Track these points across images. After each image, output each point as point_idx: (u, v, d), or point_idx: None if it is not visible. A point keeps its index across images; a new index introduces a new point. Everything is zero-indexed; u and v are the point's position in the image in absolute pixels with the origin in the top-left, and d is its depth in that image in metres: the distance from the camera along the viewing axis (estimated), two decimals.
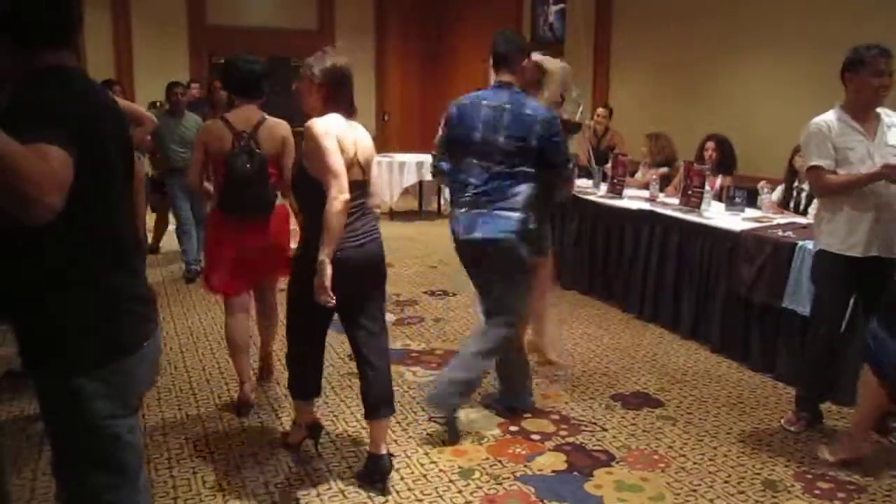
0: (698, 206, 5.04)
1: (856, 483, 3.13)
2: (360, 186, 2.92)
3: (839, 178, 3.34)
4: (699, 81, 7.07)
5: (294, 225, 3.64)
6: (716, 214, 4.99)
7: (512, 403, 3.78)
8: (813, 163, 3.40)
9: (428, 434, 3.53)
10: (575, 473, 3.19)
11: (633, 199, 5.74)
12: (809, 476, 3.19)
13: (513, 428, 3.61)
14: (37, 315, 1.68)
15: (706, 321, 4.80)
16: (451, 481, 3.11)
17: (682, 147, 6.34)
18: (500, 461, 3.28)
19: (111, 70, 9.74)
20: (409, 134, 11.30)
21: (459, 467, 3.22)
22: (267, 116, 3.65)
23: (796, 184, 5.08)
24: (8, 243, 1.63)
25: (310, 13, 11.40)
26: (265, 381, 4.09)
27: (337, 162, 2.77)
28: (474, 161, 3.49)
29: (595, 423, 3.68)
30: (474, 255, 3.57)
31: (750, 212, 5.04)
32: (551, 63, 3.96)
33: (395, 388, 3.82)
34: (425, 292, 6.02)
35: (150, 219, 6.47)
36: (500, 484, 3.09)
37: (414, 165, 9.20)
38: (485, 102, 3.54)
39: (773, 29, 6.20)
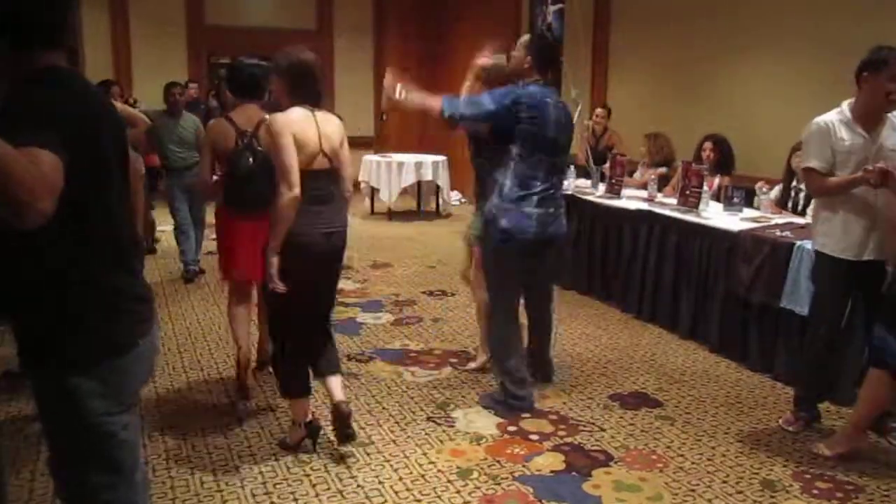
0: (696, 206, 5.04)
1: (854, 483, 3.14)
2: (326, 175, 3.11)
3: (830, 180, 3.34)
4: (698, 81, 7.07)
5: None
6: (714, 214, 5.00)
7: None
8: (808, 164, 3.40)
9: (426, 434, 3.53)
10: (573, 473, 3.19)
11: (631, 200, 5.74)
12: (808, 476, 3.19)
13: (511, 428, 3.61)
14: (34, 314, 1.69)
15: (704, 321, 4.80)
16: (449, 481, 3.11)
17: (681, 147, 6.34)
18: (498, 461, 3.28)
19: (109, 70, 9.73)
20: (408, 134, 11.30)
21: (458, 467, 3.22)
22: (268, 116, 3.68)
23: (794, 184, 5.08)
24: (6, 243, 1.63)
25: (309, 13, 11.39)
26: (262, 373, 4.13)
27: (288, 159, 2.94)
28: (544, 157, 3.65)
29: (593, 423, 3.68)
30: (541, 248, 3.80)
31: (748, 212, 5.04)
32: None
33: (393, 389, 3.97)
34: (424, 292, 6.02)
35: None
36: (499, 484, 3.09)
37: (412, 165, 9.20)
38: (548, 100, 3.68)
39: (773, 29, 6.20)
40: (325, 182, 3.10)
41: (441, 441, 3.46)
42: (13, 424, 3.50)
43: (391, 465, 3.23)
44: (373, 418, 3.68)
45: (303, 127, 3.03)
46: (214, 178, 3.82)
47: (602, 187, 6.17)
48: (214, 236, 4.12)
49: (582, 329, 5.16)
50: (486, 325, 4.17)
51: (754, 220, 4.79)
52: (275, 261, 2.98)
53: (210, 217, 5.29)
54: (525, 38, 3.90)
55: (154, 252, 7.04)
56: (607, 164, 6.29)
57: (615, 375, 4.31)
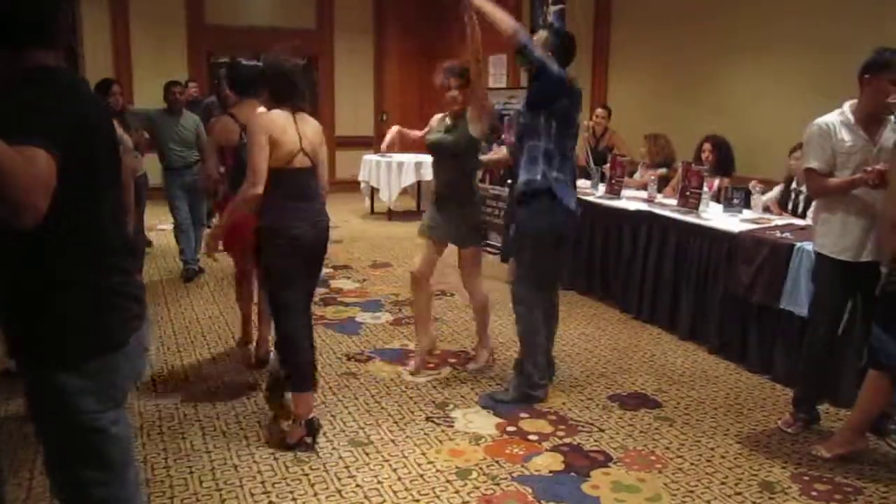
0: (696, 207, 5.04)
1: (853, 485, 3.13)
2: (305, 172, 3.32)
3: (830, 181, 3.34)
4: (698, 82, 7.07)
5: None
6: (714, 215, 5.00)
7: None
8: (808, 164, 3.40)
9: (425, 434, 3.52)
10: (572, 474, 3.19)
11: (631, 200, 5.74)
12: (806, 478, 3.19)
13: (510, 428, 3.61)
14: (23, 313, 1.70)
15: (704, 322, 4.80)
16: (448, 481, 3.10)
17: (681, 148, 6.34)
18: (497, 461, 3.28)
19: (110, 69, 9.73)
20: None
21: (457, 467, 3.22)
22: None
23: (794, 186, 5.08)
24: None
25: (308, 12, 11.39)
26: (262, 371, 4.17)
27: (257, 158, 3.14)
28: (570, 142, 3.82)
29: (592, 424, 3.68)
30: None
31: (748, 213, 5.04)
32: None
33: (392, 388, 4.02)
34: None
35: (148, 216, 6.45)
36: (498, 484, 3.09)
37: (412, 165, 9.19)
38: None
39: (773, 30, 6.20)
40: (307, 179, 3.33)
41: (440, 441, 3.46)
42: (12, 423, 3.49)
43: (390, 465, 3.22)
44: (371, 418, 3.68)
45: (283, 128, 3.21)
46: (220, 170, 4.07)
47: (602, 188, 6.17)
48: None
49: (581, 329, 5.16)
50: (484, 321, 4.31)
51: (754, 221, 4.79)
52: (218, 233, 3.51)
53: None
54: (542, 34, 3.91)
55: (150, 244, 7.03)
56: (607, 165, 6.29)
57: (614, 376, 4.31)
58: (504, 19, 3.64)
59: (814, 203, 3.71)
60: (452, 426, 3.62)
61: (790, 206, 5.10)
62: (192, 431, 3.52)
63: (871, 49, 3.32)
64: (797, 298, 3.99)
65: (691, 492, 3.06)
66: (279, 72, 3.31)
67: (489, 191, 7.75)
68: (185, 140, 6.15)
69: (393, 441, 3.45)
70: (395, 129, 4.25)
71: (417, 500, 2.96)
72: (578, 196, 5.99)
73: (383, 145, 4.23)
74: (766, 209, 5.18)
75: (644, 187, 6.01)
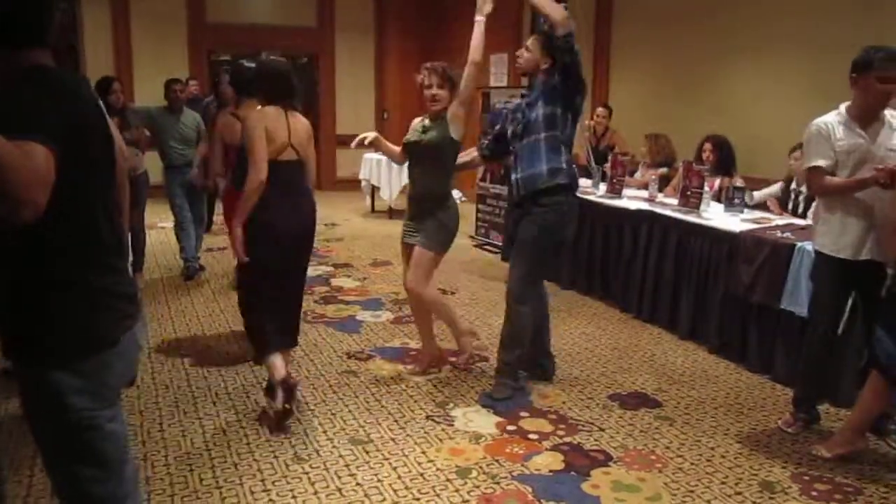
0: (697, 206, 5.04)
1: (853, 485, 3.13)
2: (293, 165, 3.55)
3: (836, 180, 3.34)
4: (699, 82, 7.07)
5: None
6: (714, 215, 4.99)
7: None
8: (812, 163, 3.39)
9: (425, 433, 3.53)
10: (572, 473, 3.19)
11: (632, 200, 5.74)
12: (807, 478, 3.19)
13: (510, 427, 3.61)
14: (17, 312, 1.71)
15: (704, 322, 4.80)
16: (448, 480, 3.10)
17: (682, 147, 6.34)
18: (497, 460, 3.28)
19: (110, 67, 9.73)
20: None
21: (457, 466, 3.22)
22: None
23: (794, 186, 5.08)
24: None
25: (309, 11, 11.39)
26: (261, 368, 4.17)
27: (258, 149, 3.39)
28: (570, 138, 3.94)
29: (593, 423, 3.68)
30: None
31: (749, 213, 5.04)
32: None
33: (393, 387, 4.01)
34: None
35: (149, 214, 6.44)
36: (498, 483, 3.09)
37: None
38: None
39: (774, 29, 6.20)
40: (294, 171, 3.56)
41: (440, 440, 3.46)
42: (12, 422, 3.49)
43: (390, 464, 3.22)
44: (372, 417, 3.68)
45: (274, 123, 3.47)
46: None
47: (603, 187, 6.17)
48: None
49: (581, 329, 5.16)
50: (443, 318, 4.22)
51: (755, 220, 4.79)
52: (239, 233, 3.45)
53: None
54: (534, 37, 3.93)
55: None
56: (608, 164, 6.28)
57: (614, 375, 4.31)
58: (556, 8, 3.74)
59: (815, 202, 3.70)
60: (452, 425, 3.62)
61: (790, 206, 5.10)
62: (193, 429, 3.52)
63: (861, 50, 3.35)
64: (798, 298, 3.99)
65: (691, 491, 3.06)
66: (271, 72, 3.62)
67: (489, 190, 7.75)
68: (185, 138, 6.15)
69: (393, 440, 3.45)
70: (373, 134, 4.29)
71: (417, 499, 2.96)
72: (579, 195, 6.05)
73: (354, 142, 4.24)
74: (764, 205, 5.18)
75: (645, 187, 6.01)
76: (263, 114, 3.49)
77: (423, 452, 3.34)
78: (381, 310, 5.50)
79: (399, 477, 3.12)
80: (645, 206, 5.44)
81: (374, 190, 9.69)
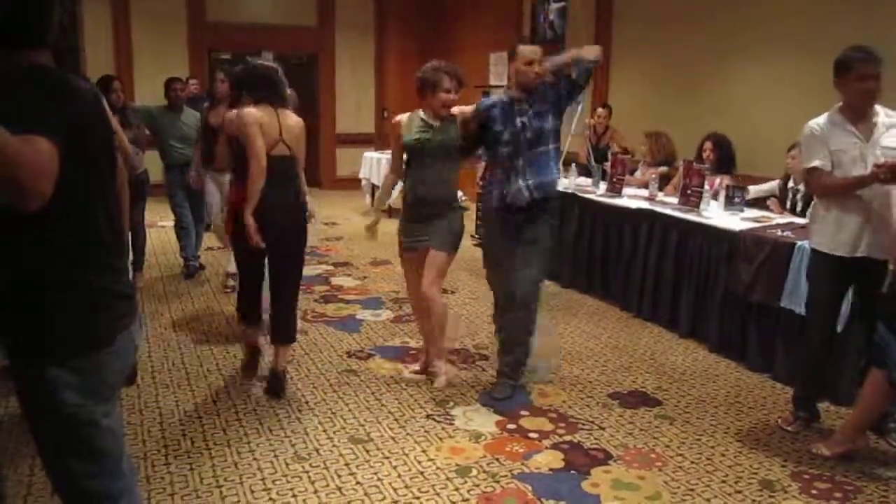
0: (697, 205, 5.04)
1: (853, 484, 3.13)
2: (284, 160, 3.78)
3: (837, 179, 3.33)
4: (699, 80, 7.06)
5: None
6: (715, 214, 4.99)
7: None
8: (810, 164, 3.40)
9: (425, 431, 3.53)
10: (572, 472, 3.20)
11: (632, 198, 5.74)
12: (807, 476, 3.19)
13: (510, 426, 3.61)
14: (16, 309, 1.72)
15: (704, 320, 4.80)
16: (448, 479, 3.11)
17: (682, 146, 6.34)
18: (497, 459, 3.28)
19: (111, 66, 9.73)
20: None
21: (457, 465, 3.22)
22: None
23: (791, 184, 5.08)
24: None
25: (309, 10, 11.38)
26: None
27: (257, 143, 3.66)
28: None
29: (592, 422, 3.68)
30: None
31: (749, 212, 5.04)
32: None
33: (393, 386, 4.03)
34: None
35: (149, 213, 6.44)
36: (498, 482, 3.09)
37: None
38: None
39: (774, 28, 6.19)
40: (285, 165, 3.78)
41: (440, 439, 3.46)
42: (12, 420, 3.49)
43: (390, 463, 3.23)
44: (372, 415, 3.68)
45: (266, 120, 3.73)
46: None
47: (603, 186, 6.17)
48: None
49: (581, 327, 5.16)
50: (443, 330, 4.12)
51: (755, 219, 4.79)
52: (251, 221, 3.69)
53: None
54: (538, 49, 3.91)
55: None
56: (608, 163, 6.28)
57: (614, 374, 4.31)
58: (592, 50, 3.85)
59: (813, 201, 3.70)
60: (453, 424, 3.62)
61: (788, 204, 5.10)
62: (193, 428, 3.53)
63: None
64: (798, 297, 3.98)
65: (691, 490, 3.06)
66: (259, 72, 3.89)
67: None
68: (185, 137, 6.14)
69: (393, 438, 3.45)
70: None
71: (417, 498, 2.97)
72: (579, 194, 6.08)
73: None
74: (764, 204, 5.18)
75: (645, 186, 6.01)
76: (255, 112, 3.72)
77: (424, 451, 3.34)
78: (381, 309, 5.50)
79: (399, 476, 3.12)
80: (645, 204, 5.44)
81: (374, 189, 9.68)
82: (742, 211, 5.01)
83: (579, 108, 7.33)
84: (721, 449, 3.42)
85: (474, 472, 3.17)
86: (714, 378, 4.29)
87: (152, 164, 6.10)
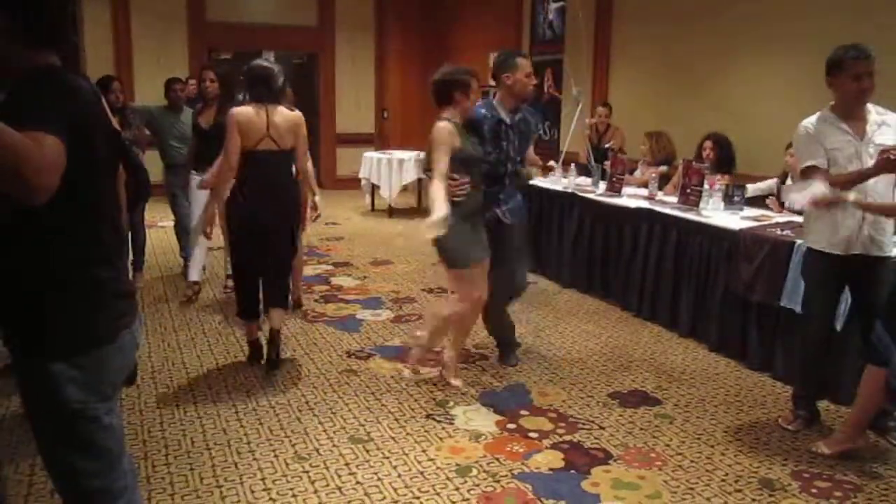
0: (697, 204, 5.04)
1: (853, 483, 3.14)
2: (273, 154, 3.98)
3: (838, 176, 3.32)
4: (699, 80, 7.06)
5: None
6: (714, 213, 4.99)
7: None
8: (807, 163, 3.39)
9: (425, 431, 3.53)
10: (572, 471, 3.20)
11: (631, 198, 5.74)
12: (807, 475, 3.19)
13: (510, 426, 3.61)
14: (20, 307, 1.74)
15: (704, 320, 4.80)
16: (448, 479, 3.11)
17: (682, 145, 6.34)
18: (497, 459, 3.28)
19: (110, 66, 9.73)
20: (409, 131, 11.30)
21: (457, 465, 3.22)
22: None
23: (789, 182, 5.08)
24: None
25: (310, 10, 11.38)
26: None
27: (229, 141, 3.93)
28: None
29: (593, 422, 3.68)
30: None
31: (749, 211, 5.04)
32: None
33: (393, 386, 4.04)
34: (423, 290, 6.02)
35: (149, 212, 6.45)
36: (498, 482, 3.09)
37: (413, 162, 9.18)
38: None
39: (773, 28, 6.19)
40: (273, 159, 3.98)
41: (440, 438, 3.46)
42: (13, 419, 3.50)
43: (390, 462, 3.23)
44: (372, 415, 3.69)
45: (250, 118, 3.93)
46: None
47: (603, 185, 6.17)
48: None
49: (582, 327, 5.16)
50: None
51: (755, 219, 4.79)
52: (212, 210, 4.13)
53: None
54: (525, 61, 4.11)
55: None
56: (608, 162, 6.29)
57: (614, 373, 4.31)
58: None
59: None
60: (453, 423, 3.62)
61: (787, 203, 5.10)
62: (193, 428, 3.53)
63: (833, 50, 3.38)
64: (797, 296, 3.98)
65: (691, 489, 3.06)
66: (254, 72, 4.05)
67: None
68: (186, 137, 6.12)
69: (393, 438, 3.45)
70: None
71: (418, 498, 2.97)
72: (579, 194, 6.09)
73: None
74: (763, 203, 5.18)
75: (645, 185, 6.00)
76: (238, 113, 3.95)
77: (424, 451, 3.34)
78: (381, 308, 5.50)
79: (399, 475, 3.12)
80: (645, 204, 5.44)
81: (374, 189, 9.69)
82: (741, 210, 5.01)
83: (579, 107, 7.33)
84: (721, 448, 3.43)
85: (474, 471, 3.17)
86: (714, 377, 4.29)
87: (152, 165, 6.10)
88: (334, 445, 3.37)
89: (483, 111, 4.03)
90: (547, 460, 3.28)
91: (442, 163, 3.65)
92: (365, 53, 11.75)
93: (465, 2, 11.03)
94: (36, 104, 1.57)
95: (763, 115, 6.26)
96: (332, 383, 4.08)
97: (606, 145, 7.04)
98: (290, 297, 4.53)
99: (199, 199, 5.38)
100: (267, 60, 4.32)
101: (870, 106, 3.37)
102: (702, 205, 5.04)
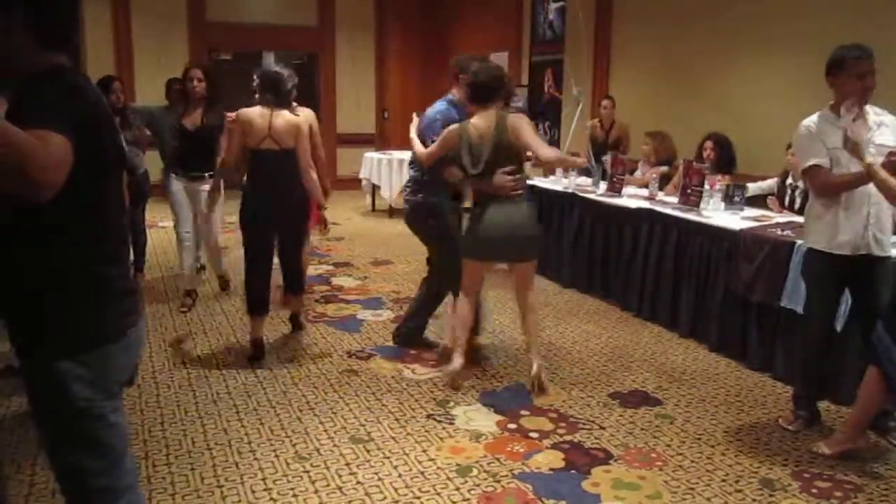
0: (697, 204, 5.04)
1: (853, 482, 3.14)
2: (274, 153, 4.23)
3: (843, 176, 3.30)
4: (700, 80, 7.06)
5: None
6: (715, 213, 4.99)
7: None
8: (809, 163, 3.38)
9: (426, 431, 3.53)
10: (572, 471, 3.20)
11: (632, 198, 5.74)
12: (807, 475, 3.20)
13: (511, 426, 3.61)
14: (27, 305, 1.75)
15: (704, 320, 4.80)
16: (448, 479, 3.11)
17: (681, 145, 6.34)
18: (497, 459, 3.28)
19: (111, 65, 9.74)
20: (409, 131, 11.28)
21: (457, 465, 3.22)
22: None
23: (790, 181, 5.09)
24: (1, 236, 1.71)
25: (310, 10, 11.38)
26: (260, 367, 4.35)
27: (230, 141, 4.48)
28: None
29: (593, 422, 3.68)
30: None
31: (749, 211, 5.04)
32: None
33: (393, 386, 4.03)
34: None
35: (149, 213, 6.45)
36: (498, 482, 3.10)
37: None
38: None
39: (774, 28, 6.19)
40: (273, 158, 4.23)
41: (441, 438, 3.47)
42: (14, 419, 3.50)
43: (391, 462, 3.23)
44: (372, 415, 3.69)
45: (253, 119, 4.22)
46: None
47: (603, 186, 6.17)
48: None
49: (582, 327, 5.16)
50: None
51: (755, 219, 4.79)
52: (215, 196, 4.82)
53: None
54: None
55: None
56: (607, 158, 6.29)
57: (615, 374, 4.32)
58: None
59: (810, 199, 3.68)
60: (453, 423, 3.62)
61: (787, 201, 5.10)
62: (194, 428, 3.53)
63: (833, 50, 3.37)
64: (798, 296, 3.98)
65: (692, 489, 3.07)
66: (265, 76, 4.30)
67: None
68: None
69: (394, 438, 3.46)
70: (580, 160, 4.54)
71: (418, 497, 2.97)
72: (579, 194, 6.09)
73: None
74: (763, 203, 5.18)
75: (645, 185, 6.01)
76: (242, 114, 4.28)
77: (424, 451, 3.34)
78: (381, 309, 5.51)
79: (400, 475, 3.13)
80: (645, 204, 5.44)
81: (375, 189, 9.70)
82: (742, 210, 5.02)
83: (579, 108, 7.33)
84: (721, 448, 3.43)
85: (475, 471, 3.17)
86: (714, 377, 4.29)
87: (153, 165, 6.10)
88: (335, 445, 3.37)
89: (454, 112, 4.18)
90: (547, 460, 3.28)
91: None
92: (365, 53, 11.75)
93: (465, 2, 11.03)
94: (43, 103, 1.59)
95: (763, 115, 6.26)
96: (332, 383, 4.08)
97: (617, 152, 7.02)
98: (304, 283, 5.01)
99: (181, 202, 5.30)
100: (280, 66, 4.50)
101: (867, 107, 3.36)
102: (702, 205, 5.04)
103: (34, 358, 1.77)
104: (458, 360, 4.02)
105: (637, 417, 3.74)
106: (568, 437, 3.51)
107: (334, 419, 3.64)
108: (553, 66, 9.07)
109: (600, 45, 8.34)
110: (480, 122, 3.87)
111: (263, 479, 3.07)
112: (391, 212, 9.47)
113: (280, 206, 4.31)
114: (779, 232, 4.36)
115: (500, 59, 9.84)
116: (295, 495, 2.96)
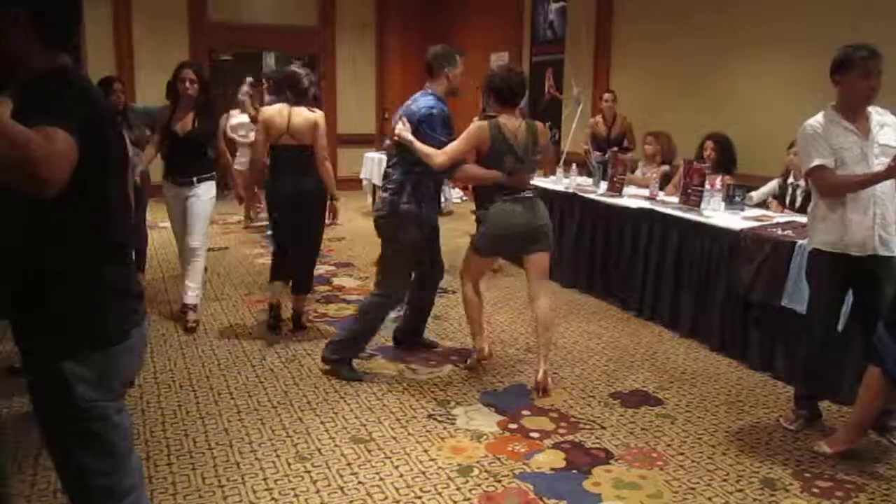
0: (698, 204, 5.04)
1: (854, 482, 3.14)
2: (291, 148, 4.58)
3: (850, 177, 3.30)
4: (699, 79, 7.07)
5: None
6: (715, 213, 4.99)
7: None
8: (815, 163, 3.37)
9: (427, 431, 3.53)
10: (573, 471, 3.20)
11: (633, 198, 5.74)
12: (808, 475, 3.20)
13: (512, 426, 3.61)
14: (31, 305, 1.75)
15: (705, 320, 4.80)
16: (449, 478, 3.11)
17: (681, 145, 6.34)
18: (498, 459, 3.29)
19: (111, 66, 9.73)
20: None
21: (458, 465, 3.23)
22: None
23: (791, 180, 5.09)
24: (6, 237, 1.71)
25: (310, 10, 11.38)
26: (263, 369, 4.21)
27: (258, 136, 4.75)
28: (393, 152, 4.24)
29: (594, 422, 3.68)
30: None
31: (750, 211, 5.04)
32: None
33: (394, 386, 4.03)
34: None
35: (150, 213, 6.44)
36: (499, 481, 3.10)
37: None
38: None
39: (776, 26, 6.19)
40: (290, 153, 4.57)
41: (442, 438, 3.47)
42: (15, 421, 3.50)
43: (392, 462, 3.23)
44: (373, 415, 3.69)
45: (273, 116, 4.59)
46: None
47: (604, 186, 6.17)
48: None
49: (583, 327, 5.16)
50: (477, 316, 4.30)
51: (756, 219, 4.79)
52: (240, 192, 5.66)
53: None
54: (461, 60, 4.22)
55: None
56: (610, 155, 6.29)
57: (616, 373, 4.32)
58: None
59: (812, 199, 3.68)
60: (454, 423, 3.62)
61: (787, 200, 5.11)
62: (195, 428, 3.53)
63: (837, 50, 3.37)
64: (799, 296, 3.98)
65: (692, 489, 3.07)
66: (284, 78, 4.70)
67: None
68: None
69: (395, 438, 3.46)
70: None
71: (419, 497, 2.97)
72: (580, 194, 6.09)
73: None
74: (764, 203, 5.19)
75: (646, 185, 6.01)
76: (265, 111, 4.70)
77: (425, 451, 3.34)
78: None
79: (401, 475, 3.13)
80: (646, 204, 5.44)
81: (376, 189, 9.68)
82: (742, 210, 5.02)
83: (579, 107, 7.34)
84: (722, 448, 3.43)
85: (476, 471, 3.17)
86: (715, 377, 4.29)
87: (153, 165, 6.10)
88: (336, 445, 3.37)
89: (442, 105, 4.13)
90: (548, 460, 3.29)
91: None
92: (365, 53, 11.75)
93: (465, 2, 11.03)
94: (48, 102, 1.59)
95: (763, 115, 6.27)
96: (333, 383, 4.08)
97: (617, 152, 7.02)
98: (311, 286, 5.19)
99: (174, 216, 5.10)
100: (298, 66, 4.88)
101: (870, 108, 3.37)
102: (703, 205, 5.04)
103: (37, 358, 1.77)
104: (484, 346, 4.30)
105: (638, 417, 3.74)
106: (569, 437, 3.51)
107: (335, 419, 3.64)
108: (553, 66, 9.07)
109: (600, 44, 8.34)
110: (509, 122, 3.99)
111: (265, 479, 3.08)
112: None
113: (297, 197, 4.59)
114: (779, 232, 4.36)
115: (500, 59, 9.86)
116: (296, 495, 2.96)
